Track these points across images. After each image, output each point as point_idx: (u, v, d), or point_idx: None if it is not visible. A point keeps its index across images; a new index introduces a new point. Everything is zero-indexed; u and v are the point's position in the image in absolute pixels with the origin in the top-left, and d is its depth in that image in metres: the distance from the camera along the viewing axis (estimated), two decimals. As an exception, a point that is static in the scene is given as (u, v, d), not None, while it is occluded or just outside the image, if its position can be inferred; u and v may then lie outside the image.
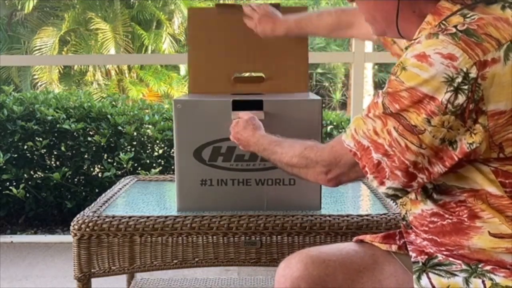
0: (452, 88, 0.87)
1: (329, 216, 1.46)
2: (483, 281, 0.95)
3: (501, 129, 0.90)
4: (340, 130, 3.57)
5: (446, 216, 1.00)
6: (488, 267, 0.96)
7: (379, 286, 1.07)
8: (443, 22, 0.94)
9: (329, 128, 3.63)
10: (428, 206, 1.02)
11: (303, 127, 1.44)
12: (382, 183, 0.96)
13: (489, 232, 0.95)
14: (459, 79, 0.87)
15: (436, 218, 1.01)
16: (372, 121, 0.96)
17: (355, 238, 1.20)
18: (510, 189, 0.94)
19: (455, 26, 0.90)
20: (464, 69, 0.87)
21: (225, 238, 1.45)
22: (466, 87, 0.87)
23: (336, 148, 1.04)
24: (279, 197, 1.52)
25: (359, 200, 1.75)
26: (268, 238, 1.45)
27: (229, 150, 1.47)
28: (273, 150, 1.21)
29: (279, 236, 1.45)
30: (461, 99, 0.87)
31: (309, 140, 1.14)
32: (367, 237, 1.17)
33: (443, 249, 1.01)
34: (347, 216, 1.46)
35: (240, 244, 1.45)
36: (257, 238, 1.45)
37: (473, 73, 0.87)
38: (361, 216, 1.47)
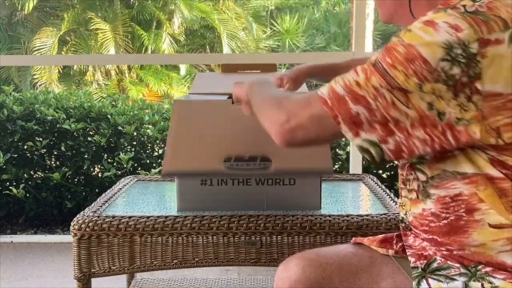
0: (448, 57, 0.86)
1: (329, 216, 1.46)
2: (482, 285, 0.94)
3: (497, 112, 0.88)
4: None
5: (443, 215, 0.98)
6: (487, 269, 0.95)
7: (377, 287, 1.07)
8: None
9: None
10: (428, 206, 1.01)
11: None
12: (357, 135, 0.92)
13: (489, 224, 0.93)
14: (459, 50, 0.86)
15: (434, 218, 1.00)
16: (355, 74, 0.93)
17: (353, 240, 1.20)
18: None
19: (464, 6, 0.90)
20: (466, 42, 0.86)
21: (225, 238, 1.45)
22: (463, 60, 0.86)
23: (309, 96, 0.98)
24: (279, 197, 1.52)
25: (359, 200, 1.75)
26: (268, 238, 1.45)
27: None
28: (260, 91, 1.15)
29: (279, 236, 1.45)
30: (455, 70, 0.86)
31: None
32: (365, 240, 1.17)
33: (443, 249, 1.00)
34: (347, 216, 1.46)
35: (240, 244, 1.45)
36: (257, 238, 1.45)
37: (474, 48, 0.86)
38: (361, 216, 1.46)
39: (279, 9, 13.99)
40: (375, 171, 3.43)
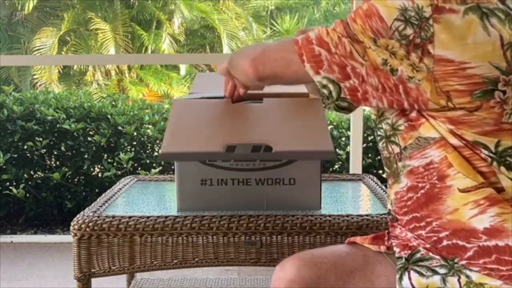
0: (402, 18, 0.95)
1: (329, 216, 1.46)
2: (458, 279, 0.97)
3: (447, 77, 0.94)
4: (341, 130, 3.57)
5: (420, 185, 1.03)
6: (463, 262, 0.98)
7: (371, 286, 1.09)
8: None
9: (329, 128, 3.64)
10: (403, 183, 1.06)
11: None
12: (317, 72, 1.02)
13: (458, 189, 0.98)
14: (412, 13, 0.94)
15: (411, 193, 1.05)
16: (326, 27, 1.04)
17: (347, 240, 1.22)
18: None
19: None
20: (420, 6, 0.94)
21: (225, 238, 1.45)
22: (416, 22, 0.94)
23: (283, 39, 1.13)
24: (279, 197, 1.52)
25: (359, 200, 1.75)
26: (268, 238, 1.45)
27: (229, 148, 1.47)
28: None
29: (279, 236, 1.45)
30: (408, 30, 0.94)
31: None
32: (358, 239, 1.19)
33: (423, 224, 1.03)
34: (347, 216, 1.46)
35: (240, 244, 1.45)
36: (257, 238, 1.45)
37: (427, 12, 0.94)
38: (361, 216, 1.47)
39: (279, 9, 14.00)
40: (375, 171, 3.44)
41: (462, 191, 0.98)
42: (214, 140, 1.38)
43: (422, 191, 1.03)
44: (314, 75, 1.02)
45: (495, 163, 0.97)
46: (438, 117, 0.98)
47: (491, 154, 0.97)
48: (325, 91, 1.02)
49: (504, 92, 0.94)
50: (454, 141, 0.98)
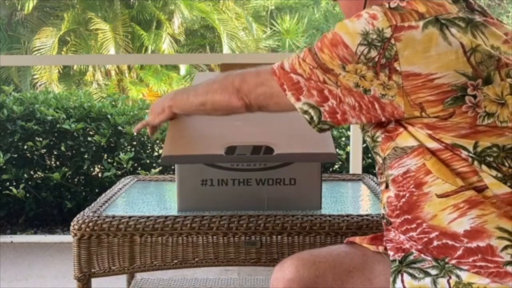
0: (365, 42, 0.98)
1: (329, 216, 1.46)
2: (448, 280, 0.99)
3: (417, 90, 0.97)
4: (341, 130, 3.57)
5: (401, 194, 1.05)
6: (453, 261, 0.99)
7: (369, 285, 1.10)
8: None
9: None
10: (391, 192, 1.08)
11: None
12: (298, 99, 1.06)
13: (436, 194, 1.00)
14: (374, 36, 0.98)
15: (396, 201, 1.07)
16: (297, 55, 1.07)
17: (346, 240, 1.23)
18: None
19: (389, 3, 1.01)
20: (380, 28, 0.97)
21: (225, 238, 1.45)
22: (379, 44, 0.97)
23: (259, 69, 1.13)
24: (280, 197, 1.52)
25: (359, 200, 1.75)
26: (268, 238, 1.45)
27: (229, 150, 1.47)
28: (195, 90, 1.26)
29: (279, 236, 1.45)
30: (373, 53, 0.98)
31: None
32: (357, 239, 1.20)
33: (414, 225, 1.05)
34: (347, 216, 1.46)
35: (240, 244, 1.45)
36: (257, 238, 1.45)
37: (387, 33, 0.97)
38: (361, 216, 1.47)
39: (279, 9, 14.00)
40: (375, 171, 3.43)
41: (440, 196, 0.99)
42: (214, 142, 1.38)
43: (403, 199, 1.05)
44: (296, 102, 1.06)
45: (476, 163, 0.98)
46: (415, 123, 1.00)
47: (470, 155, 0.98)
48: (306, 116, 1.06)
49: (474, 96, 0.96)
50: (433, 144, 1.00)
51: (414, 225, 1.05)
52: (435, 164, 1.00)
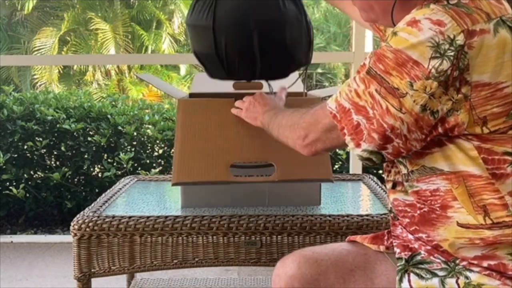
0: (437, 55, 0.88)
1: (329, 216, 1.46)
2: (457, 280, 0.97)
3: (484, 102, 0.91)
4: (340, 130, 3.57)
5: (419, 205, 1.02)
6: (464, 263, 0.98)
7: (371, 285, 1.09)
8: None
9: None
10: (406, 196, 1.05)
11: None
12: (358, 145, 0.97)
13: (457, 222, 0.97)
14: (446, 46, 0.88)
15: (409, 208, 1.05)
16: (355, 84, 0.97)
17: (347, 238, 1.22)
18: (492, 166, 0.95)
19: (447, 0, 0.93)
20: (452, 36, 0.88)
21: (225, 238, 1.45)
22: (452, 53, 0.88)
23: (319, 111, 1.06)
24: (280, 193, 1.54)
25: (359, 200, 1.75)
26: (268, 238, 1.45)
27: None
28: (276, 121, 1.23)
29: (279, 236, 1.45)
30: (445, 65, 0.88)
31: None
32: (358, 238, 1.19)
33: (423, 236, 1.03)
34: (347, 216, 1.47)
35: (240, 244, 1.45)
36: (257, 238, 1.45)
37: (460, 40, 0.88)
38: (361, 216, 1.47)
39: (279, 9, 13.96)
40: (375, 171, 3.44)
41: (461, 225, 0.97)
42: (220, 164, 1.43)
43: (420, 211, 1.02)
44: (354, 149, 0.98)
45: None
46: (465, 134, 0.94)
47: None
48: (368, 162, 0.99)
49: None
50: (468, 169, 0.95)
51: (423, 235, 1.03)
52: (462, 195, 0.96)
